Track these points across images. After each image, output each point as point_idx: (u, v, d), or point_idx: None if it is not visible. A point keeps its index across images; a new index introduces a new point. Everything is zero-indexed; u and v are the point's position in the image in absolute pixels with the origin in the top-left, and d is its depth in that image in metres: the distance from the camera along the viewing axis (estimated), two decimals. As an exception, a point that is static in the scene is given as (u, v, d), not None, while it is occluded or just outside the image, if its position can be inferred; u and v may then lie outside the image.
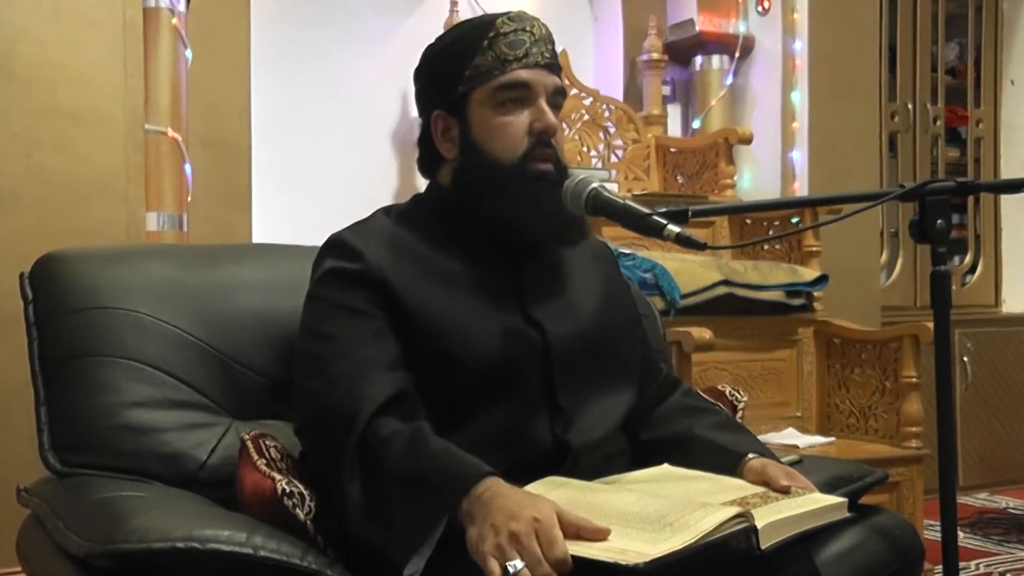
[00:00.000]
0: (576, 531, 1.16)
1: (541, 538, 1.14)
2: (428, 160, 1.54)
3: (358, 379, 1.35)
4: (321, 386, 1.37)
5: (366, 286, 1.41)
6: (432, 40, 1.57)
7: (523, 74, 1.46)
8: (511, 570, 1.13)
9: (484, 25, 1.48)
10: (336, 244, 1.47)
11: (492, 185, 1.46)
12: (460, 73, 1.47)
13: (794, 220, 3.24)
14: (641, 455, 1.54)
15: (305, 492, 1.37)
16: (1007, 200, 4.61)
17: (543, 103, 1.47)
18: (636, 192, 3.49)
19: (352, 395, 1.34)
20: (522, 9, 1.53)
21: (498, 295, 1.46)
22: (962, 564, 2.80)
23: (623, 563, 1.10)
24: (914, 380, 2.87)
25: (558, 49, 1.55)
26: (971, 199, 4.58)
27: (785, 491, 1.39)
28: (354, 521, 1.30)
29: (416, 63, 1.57)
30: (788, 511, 1.29)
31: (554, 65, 1.50)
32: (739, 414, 2.15)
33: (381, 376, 1.36)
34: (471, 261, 1.47)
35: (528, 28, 1.48)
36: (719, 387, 2.30)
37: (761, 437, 1.79)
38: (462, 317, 1.42)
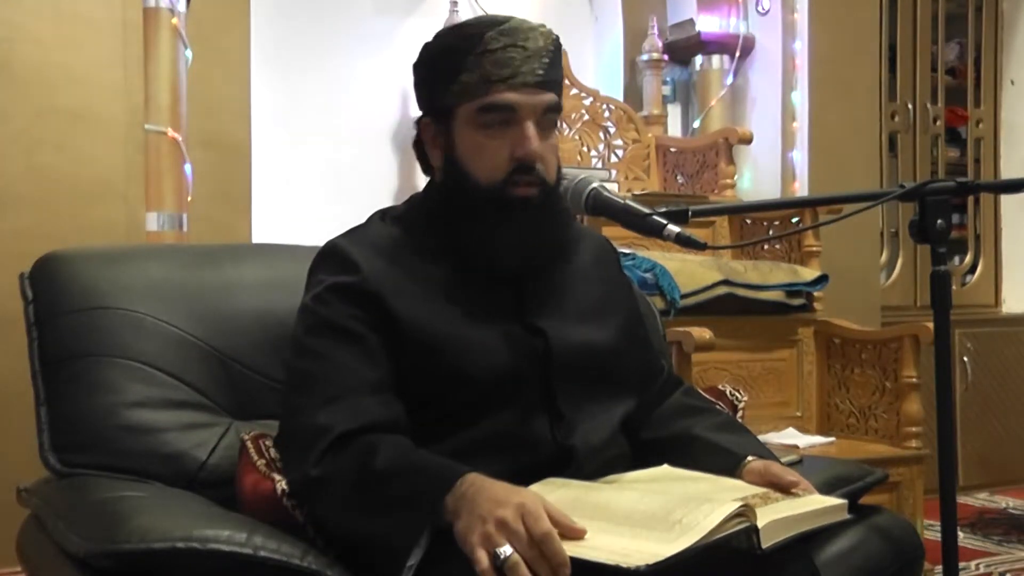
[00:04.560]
0: (557, 523, 1.15)
1: (528, 522, 1.14)
2: (423, 160, 1.53)
3: (342, 401, 1.35)
4: (305, 403, 1.36)
5: (360, 302, 1.40)
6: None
7: (509, 96, 1.39)
8: (500, 556, 1.12)
9: (473, 37, 1.41)
10: (332, 253, 1.46)
11: (469, 209, 1.43)
12: (447, 86, 1.42)
13: (794, 220, 3.24)
14: (641, 455, 1.54)
15: (305, 492, 1.37)
16: (1007, 200, 4.61)
17: (529, 126, 1.40)
18: (636, 192, 3.48)
19: (334, 414, 1.33)
20: (521, 18, 1.44)
21: (496, 305, 1.45)
22: (962, 564, 2.81)
23: (624, 565, 1.10)
24: (914, 380, 2.87)
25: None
26: (971, 199, 4.58)
27: (792, 487, 1.39)
28: (333, 525, 1.31)
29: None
30: (789, 511, 1.29)
31: (549, 81, 1.42)
32: (739, 414, 2.16)
33: (365, 399, 1.36)
34: (469, 271, 1.46)
35: (521, 43, 1.40)
36: (719, 387, 2.30)
37: (761, 437, 1.79)
38: (459, 328, 1.41)
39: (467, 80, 1.40)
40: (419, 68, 1.49)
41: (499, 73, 1.39)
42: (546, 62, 1.42)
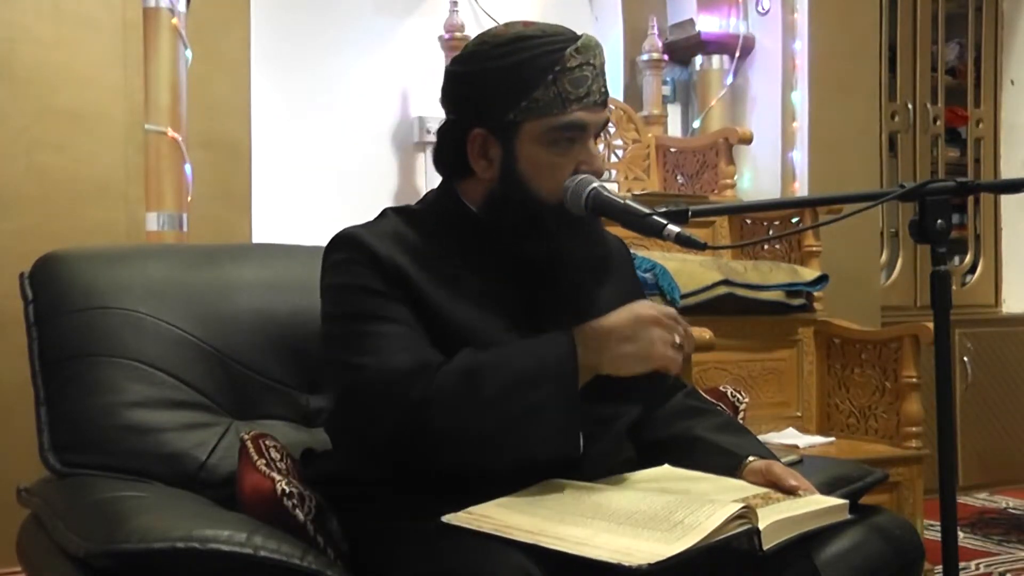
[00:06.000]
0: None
1: (667, 314, 1.35)
2: (454, 166, 1.47)
3: (416, 351, 1.33)
4: (377, 359, 1.32)
5: (383, 276, 1.38)
6: (474, 43, 1.45)
7: (582, 116, 1.39)
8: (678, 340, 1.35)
9: (551, 55, 1.38)
10: (348, 239, 1.42)
11: (533, 222, 1.42)
12: (516, 101, 1.38)
13: (794, 220, 3.24)
14: (643, 456, 1.54)
15: (305, 492, 1.37)
16: (1007, 200, 4.61)
17: (592, 142, 1.43)
18: (636, 192, 3.48)
19: (416, 353, 1.32)
20: (588, 34, 1.43)
21: (509, 308, 1.44)
22: (962, 564, 2.80)
23: (626, 564, 1.10)
24: (914, 380, 2.87)
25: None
26: (971, 199, 4.57)
27: (793, 490, 1.39)
28: (460, 428, 1.29)
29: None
30: (789, 512, 1.29)
31: (607, 98, 1.44)
32: (740, 415, 2.15)
33: (431, 348, 1.35)
34: (483, 273, 1.44)
35: (591, 60, 1.40)
36: (720, 388, 2.30)
37: (761, 437, 1.79)
38: (473, 327, 1.39)
39: (540, 97, 1.38)
40: (471, 78, 1.43)
41: (576, 93, 1.39)
42: (604, 79, 1.43)
